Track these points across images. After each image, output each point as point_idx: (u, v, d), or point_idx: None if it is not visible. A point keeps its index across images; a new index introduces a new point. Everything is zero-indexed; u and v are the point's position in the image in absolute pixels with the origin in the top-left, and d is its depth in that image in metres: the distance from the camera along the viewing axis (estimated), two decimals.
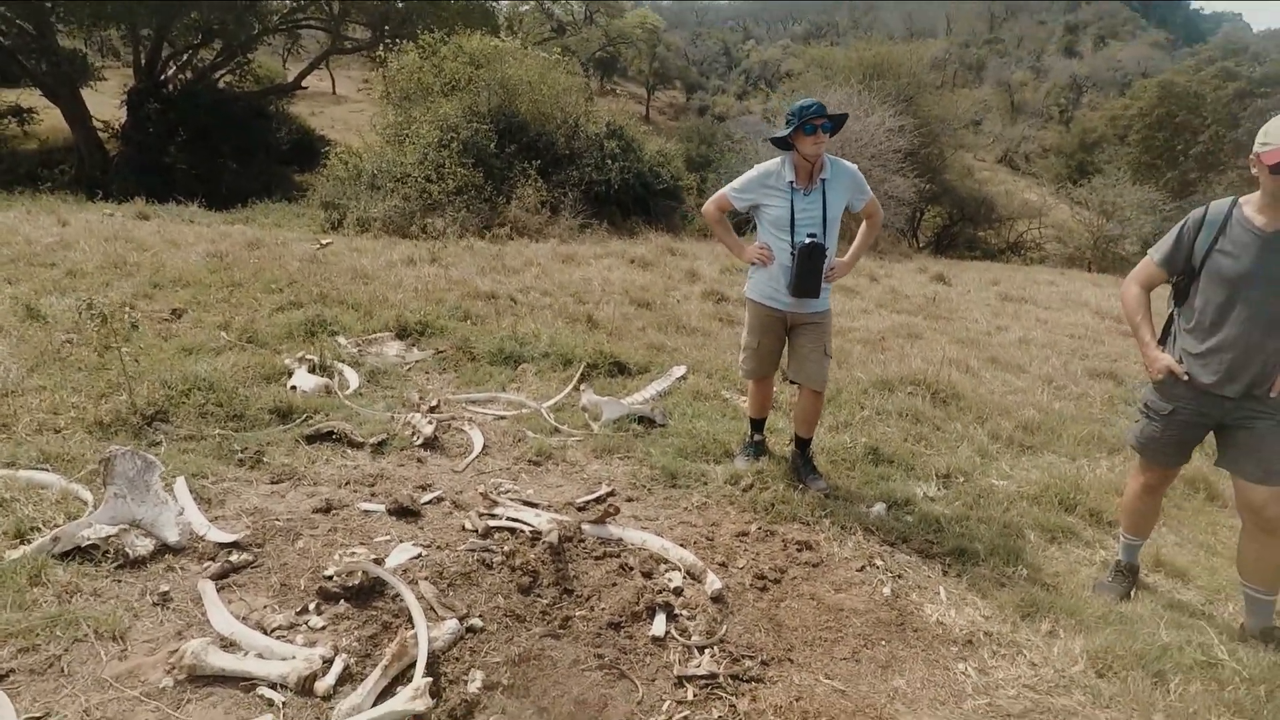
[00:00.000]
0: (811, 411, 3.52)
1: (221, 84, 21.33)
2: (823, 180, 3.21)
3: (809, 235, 3.18)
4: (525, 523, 2.83)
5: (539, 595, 2.49)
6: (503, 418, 4.03)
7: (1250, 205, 2.50)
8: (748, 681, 2.26)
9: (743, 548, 2.99)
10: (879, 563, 2.96)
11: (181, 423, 3.41)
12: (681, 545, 2.90)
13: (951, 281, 10.81)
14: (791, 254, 3.22)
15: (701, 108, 45.95)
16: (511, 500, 3.05)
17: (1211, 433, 2.70)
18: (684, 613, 2.51)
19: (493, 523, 2.83)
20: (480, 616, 2.34)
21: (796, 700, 2.18)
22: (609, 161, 13.04)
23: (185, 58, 20.47)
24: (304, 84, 23.44)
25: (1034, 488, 3.70)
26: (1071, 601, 2.76)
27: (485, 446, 3.64)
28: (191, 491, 2.83)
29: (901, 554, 3.06)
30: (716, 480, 3.49)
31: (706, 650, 2.36)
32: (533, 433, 3.84)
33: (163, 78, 19.78)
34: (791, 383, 3.65)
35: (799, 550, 2.99)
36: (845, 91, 17.06)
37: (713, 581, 2.64)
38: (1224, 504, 3.85)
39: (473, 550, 2.66)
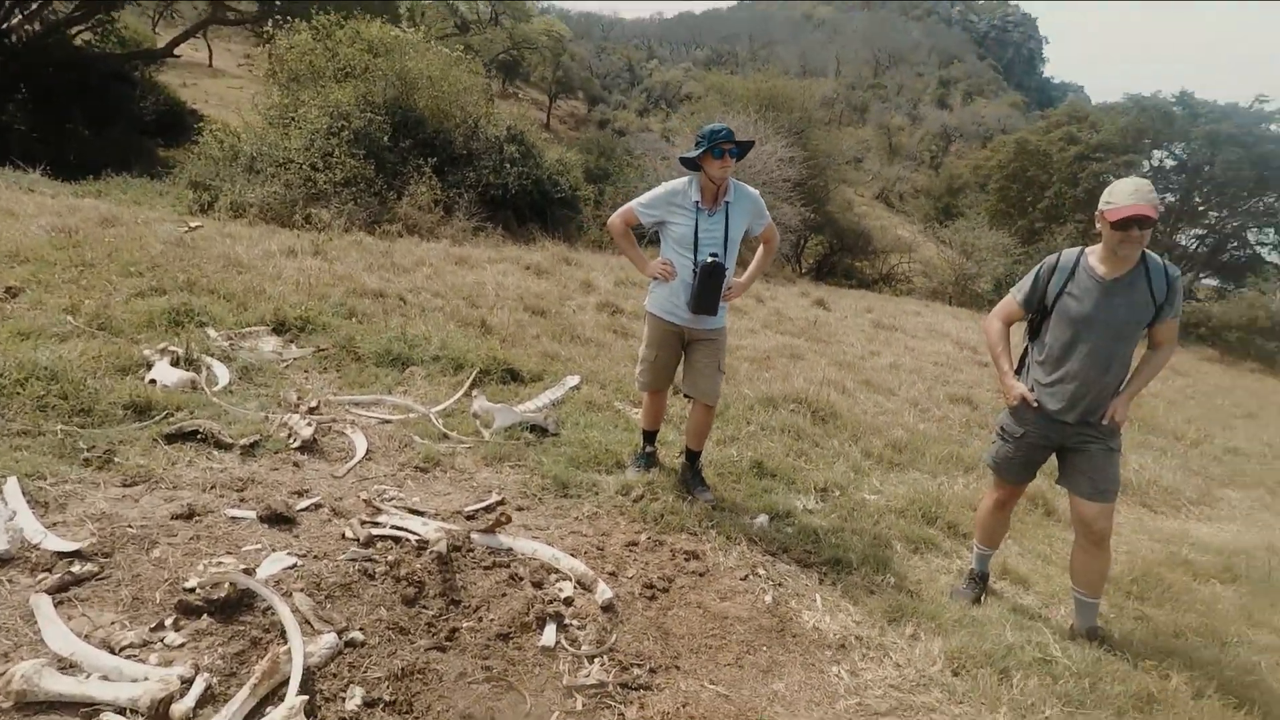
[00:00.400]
0: (703, 425, 3.62)
1: (78, 41, 19.30)
2: (726, 202, 3.33)
3: (711, 254, 3.28)
4: (411, 531, 2.74)
5: (424, 606, 2.41)
6: (388, 422, 3.88)
7: (1094, 255, 2.82)
8: (636, 690, 2.28)
9: (633, 557, 3.02)
10: (761, 572, 3.08)
11: (15, 416, 3.05)
12: (572, 555, 2.89)
13: (831, 307, 11.44)
14: (693, 271, 3.31)
15: (603, 120, 46.34)
16: (396, 508, 2.94)
17: (1054, 455, 3.01)
18: (574, 622, 2.51)
19: (376, 531, 2.72)
20: (361, 630, 2.24)
21: (683, 706, 2.23)
22: (508, 165, 12.89)
23: (34, 7, 18.38)
24: (176, 52, 21.61)
25: (901, 502, 3.98)
26: (932, 607, 2.98)
27: (369, 451, 3.49)
28: (25, 494, 2.54)
29: (782, 563, 3.20)
30: (608, 490, 3.51)
31: (596, 660, 2.36)
32: (420, 438, 3.72)
33: (4, 26, 17.65)
34: (685, 396, 3.74)
35: (686, 560, 3.06)
36: (743, 119, 17.72)
37: (603, 591, 2.66)
38: (1058, 519, 4.29)
39: (354, 560, 2.54)
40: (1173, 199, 26.69)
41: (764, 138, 17.15)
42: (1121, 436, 2.93)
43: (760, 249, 3.58)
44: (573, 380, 4.86)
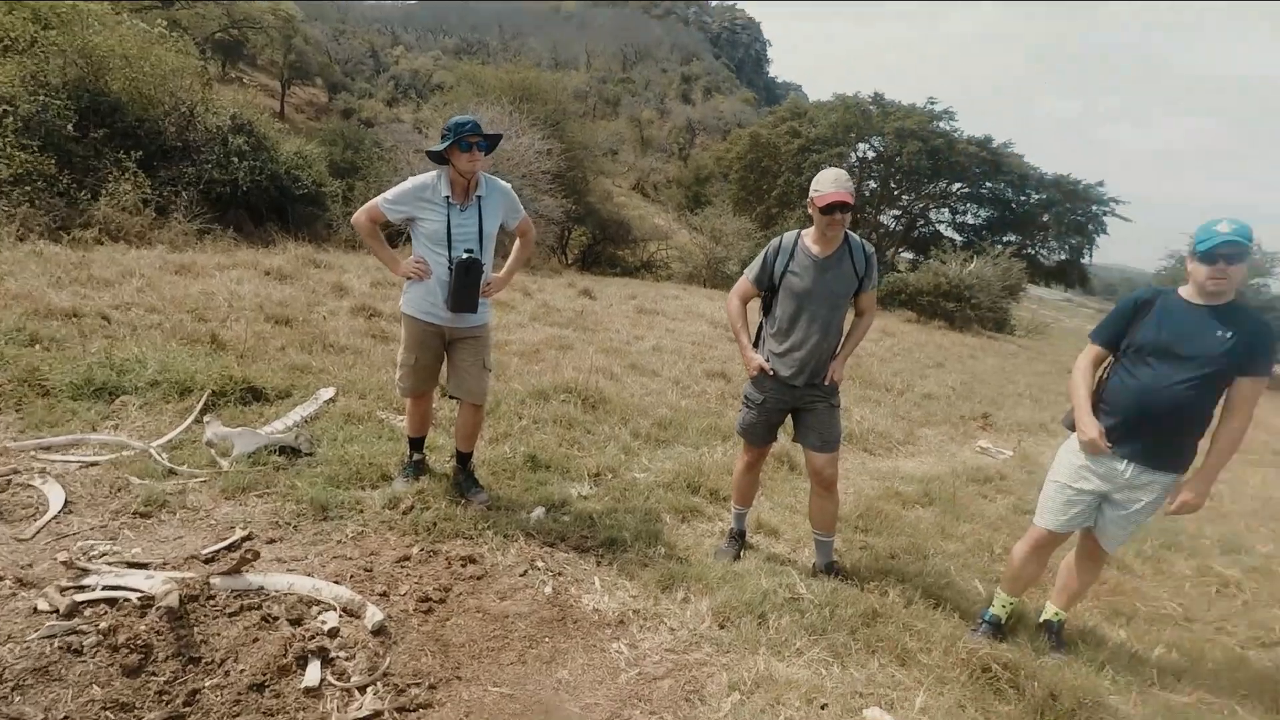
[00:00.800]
0: (472, 426, 3.55)
1: None
2: (479, 197, 3.28)
3: (466, 251, 3.21)
4: (131, 589, 2.37)
5: (153, 673, 2.11)
6: (94, 464, 3.30)
7: (808, 237, 3.22)
8: (415, 711, 2.20)
9: (405, 573, 2.89)
10: (540, 564, 3.12)
11: None
12: (336, 582, 2.70)
13: (597, 296, 11.80)
14: (449, 269, 3.22)
15: (347, 110, 43.07)
16: (111, 564, 2.53)
17: (790, 416, 3.40)
18: (341, 654, 2.35)
19: (82, 596, 2.31)
20: (67, 718, 1.90)
21: (466, 716, 2.19)
22: (235, 159, 11.49)
23: None
24: None
25: (668, 476, 4.24)
26: (699, 569, 3.22)
27: (68, 503, 2.95)
28: None
29: (561, 552, 3.26)
30: (374, 506, 3.32)
31: (369, 689, 2.23)
32: (139, 479, 3.22)
33: None
34: (451, 398, 3.64)
35: (463, 565, 3.00)
36: (497, 110, 17.50)
37: (373, 614, 2.51)
38: (799, 472, 4.85)
39: (51, 636, 2.14)
40: (875, 185, 31.24)
41: (520, 130, 17.12)
42: (840, 394, 3.39)
43: (517, 243, 3.58)
44: (327, 393, 4.51)
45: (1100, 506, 2.91)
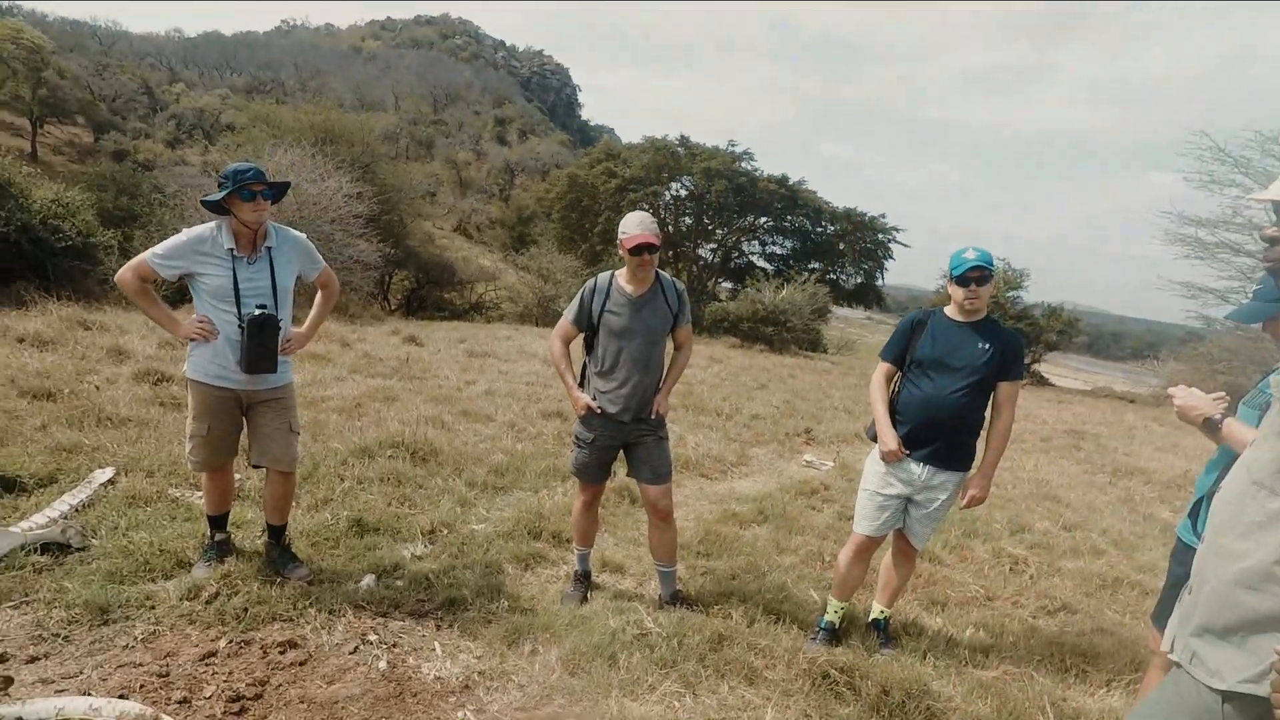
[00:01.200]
0: (282, 495, 3.23)
1: None
2: (268, 248, 3.02)
3: (259, 306, 2.94)
4: None
5: None
6: None
7: (621, 277, 3.30)
8: None
9: (210, 671, 2.54)
10: (373, 638, 2.87)
11: None
12: (122, 695, 2.31)
13: (423, 342, 11.33)
14: (239, 327, 2.92)
15: (119, 151, 38.64)
16: None
17: (622, 452, 3.42)
18: None
19: None
20: None
21: None
22: None
23: None
24: None
25: (508, 524, 4.10)
26: (545, 618, 3.12)
27: None
28: None
29: (395, 621, 3.02)
30: (169, 599, 2.90)
31: None
32: None
33: None
34: (255, 467, 3.29)
35: (282, 652, 2.69)
36: (298, 153, 16.46)
37: None
38: (641, 505, 4.91)
39: None
40: (690, 221, 33.03)
41: (325, 173, 16.21)
42: (669, 425, 3.47)
43: (319, 295, 3.34)
44: (104, 474, 3.90)
45: (906, 508, 3.20)
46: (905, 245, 32.97)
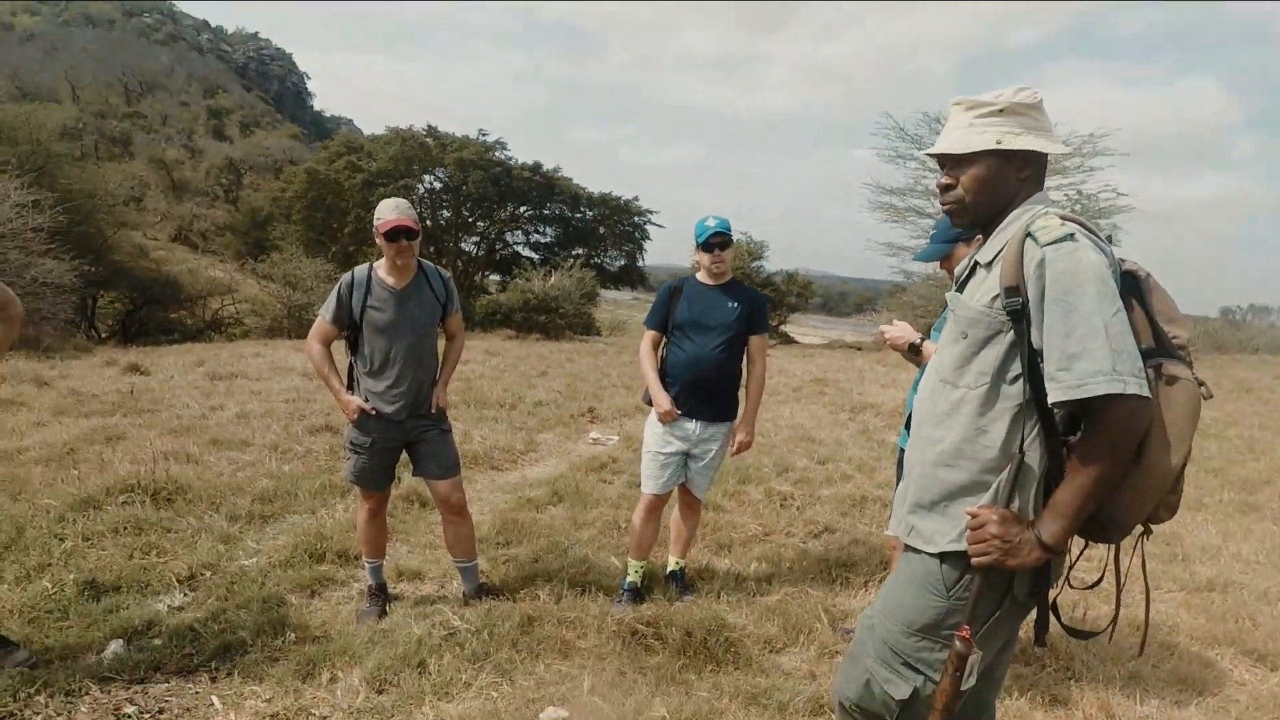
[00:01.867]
0: None
1: None
2: None
3: None
4: None
5: None
6: None
7: (382, 269, 3.13)
8: None
9: None
10: (130, 709, 2.47)
11: None
12: None
13: (151, 370, 9.79)
14: None
15: None
16: None
17: (405, 452, 3.27)
18: None
19: None
20: None
21: None
22: None
23: None
24: None
25: (284, 552, 3.73)
26: (342, 642, 2.90)
27: None
28: None
29: (158, 684, 2.63)
30: None
31: None
32: None
33: None
34: None
35: None
36: None
37: None
38: (432, 506, 4.72)
39: None
40: (448, 214, 31.99)
41: None
42: (451, 418, 3.38)
43: None
44: None
45: (685, 463, 3.45)
46: (660, 226, 34.92)
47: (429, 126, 31.39)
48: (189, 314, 22.81)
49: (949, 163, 1.58)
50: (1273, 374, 13.91)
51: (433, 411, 3.19)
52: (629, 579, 3.50)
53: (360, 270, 3.14)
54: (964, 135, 1.55)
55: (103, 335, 19.91)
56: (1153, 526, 1.53)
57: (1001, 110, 1.52)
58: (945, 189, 1.60)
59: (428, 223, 30.44)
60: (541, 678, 2.76)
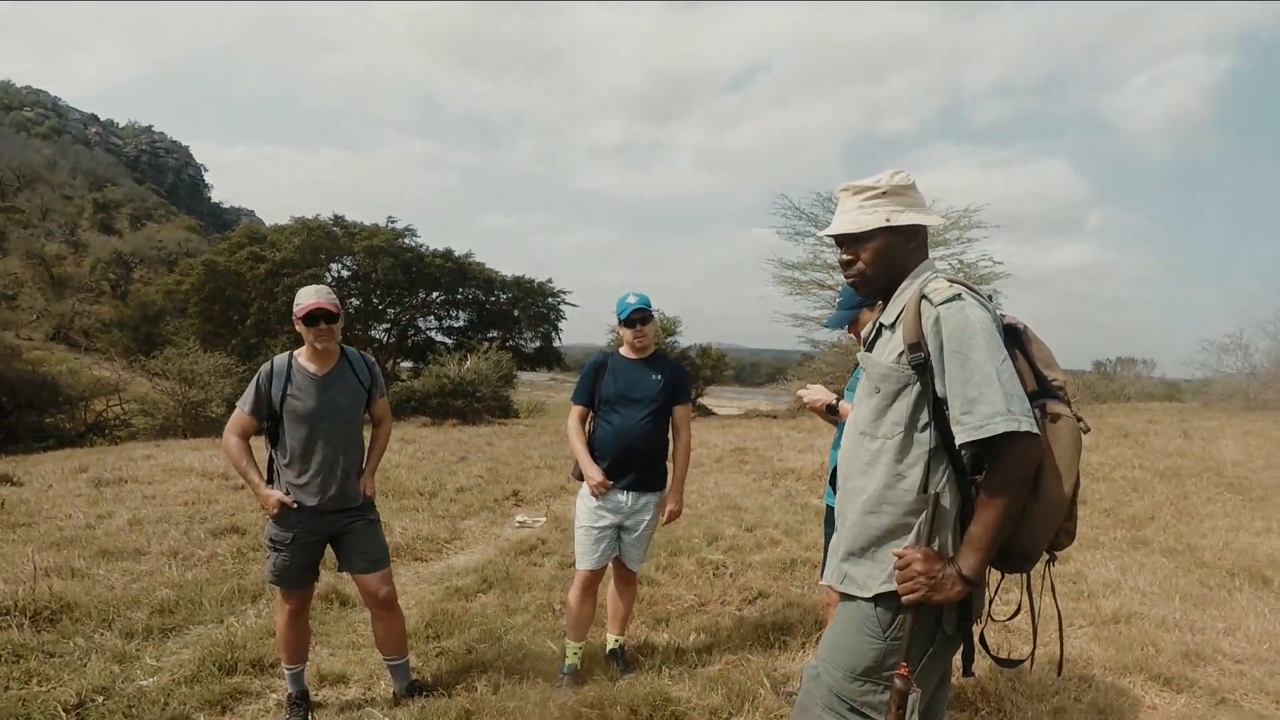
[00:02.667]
0: None
1: None
2: None
3: None
4: None
5: None
6: None
7: (303, 356, 3.07)
8: None
9: None
10: None
11: None
12: None
13: (22, 480, 8.94)
14: None
15: None
16: None
17: (329, 547, 3.13)
18: None
19: None
20: None
21: None
22: None
23: None
24: None
25: (189, 667, 3.42)
26: None
27: None
28: None
29: None
30: None
31: None
32: None
33: None
34: None
35: None
36: None
37: None
38: (354, 603, 4.47)
39: None
40: (358, 302, 31.34)
41: None
42: (377, 508, 3.27)
43: None
44: None
45: (619, 536, 3.44)
46: (574, 305, 35.30)
47: (336, 216, 31.08)
48: (68, 417, 21.01)
49: (846, 241, 1.77)
50: (1145, 419, 15.19)
51: (361, 501, 3.08)
52: (568, 661, 3.40)
53: (280, 359, 3.06)
54: (856, 216, 1.74)
55: None
56: (1057, 554, 1.67)
57: (884, 192, 1.73)
58: (847, 264, 1.79)
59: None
60: None
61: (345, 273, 31.20)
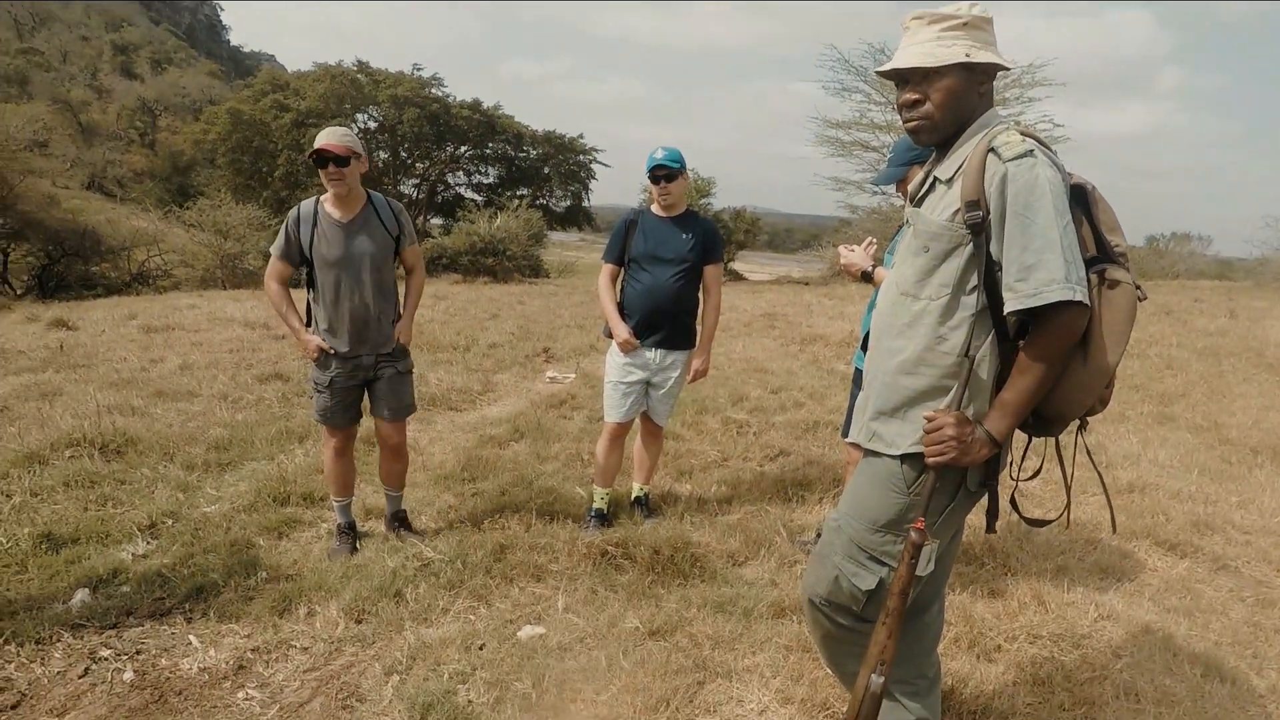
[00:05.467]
0: None
1: None
2: None
3: None
4: None
5: None
6: None
7: (328, 202, 3.06)
8: None
9: None
10: (105, 653, 2.48)
11: None
12: None
13: (77, 325, 9.34)
14: None
15: None
16: None
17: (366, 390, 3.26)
18: None
19: None
20: None
21: None
22: None
23: None
24: None
25: (246, 498, 3.71)
26: (316, 578, 2.94)
27: None
28: None
29: (132, 628, 2.63)
30: None
31: None
32: None
33: None
34: None
35: None
36: None
37: None
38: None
39: None
40: (386, 155, 30.74)
41: None
42: (411, 359, 3.37)
43: None
44: None
45: (646, 392, 3.53)
46: (605, 165, 34.31)
47: (359, 62, 29.84)
48: (112, 267, 21.56)
49: (915, 77, 1.59)
50: (1191, 298, 14.72)
51: (394, 348, 3.18)
52: (595, 505, 3.60)
53: (307, 204, 3.07)
54: (931, 49, 1.56)
55: (18, 292, 18.76)
56: (1089, 420, 1.67)
57: (965, 24, 1.55)
58: (912, 105, 1.61)
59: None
60: (516, 600, 2.86)
61: (371, 124, 30.41)
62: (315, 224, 3.02)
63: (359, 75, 29.37)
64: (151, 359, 7.08)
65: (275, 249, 3.05)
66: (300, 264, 3.06)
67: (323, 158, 2.90)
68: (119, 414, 4.92)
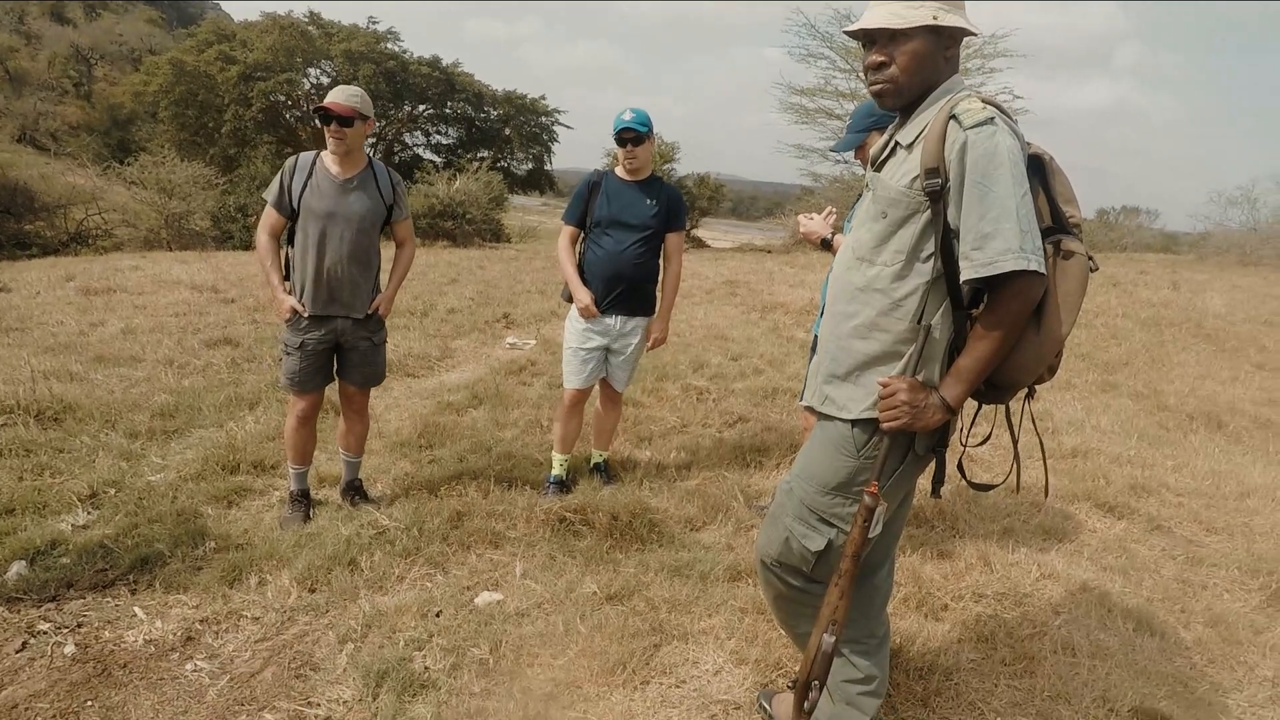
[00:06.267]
0: None
1: None
2: None
3: None
4: None
5: None
6: None
7: (328, 158, 3.02)
8: None
9: None
10: (44, 626, 2.40)
11: None
12: None
13: (11, 287, 8.90)
14: None
15: None
16: None
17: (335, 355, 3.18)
18: None
19: None
20: None
21: None
22: None
23: None
24: None
25: (194, 466, 3.60)
26: (267, 547, 2.89)
27: None
28: None
29: (72, 601, 2.55)
30: None
31: None
32: None
33: None
34: None
35: None
36: None
37: None
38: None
39: None
40: None
41: None
42: (386, 330, 3.29)
43: None
44: None
45: (606, 358, 3.50)
46: (569, 127, 33.70)
47: (311, 13, 28.59)
48: (47, 225, 20.50)
49: (881, 39, 1.57)
50: (1138, 270, 15.18)
51: (369, 315, 3.12)
52: (554, 472, 3.60)
53: (305, 155, 3.07)
54: (899, 9, 1.54)
55: None
56: (1037, 389, 1.71)
57: None
58: (878, 66, 1.59)
59: (314, 124, 28.19)
60: (474, 567, 2.85)
61: (324, 79, 29.27)
62: (310, 175, 2.99)
63: (310, 27, 28.16)
64: (91, 322, 6.79)
65: (269, 195, 3.01)
66: (289, 216, 2.98)
67: (325, 115, 2.90)
68: (56, 379, 4.72)
